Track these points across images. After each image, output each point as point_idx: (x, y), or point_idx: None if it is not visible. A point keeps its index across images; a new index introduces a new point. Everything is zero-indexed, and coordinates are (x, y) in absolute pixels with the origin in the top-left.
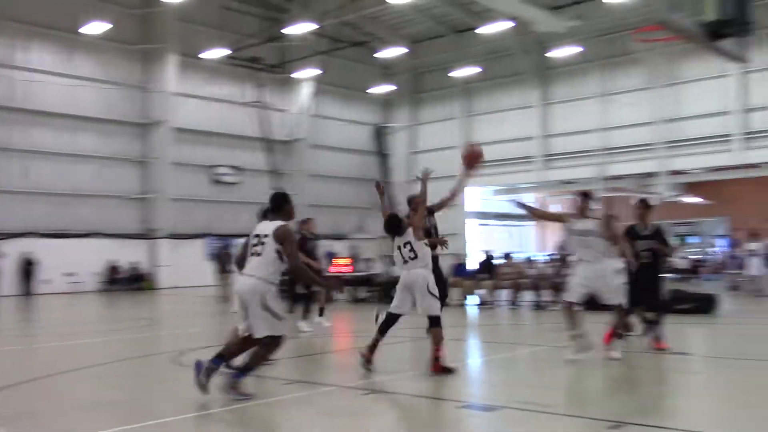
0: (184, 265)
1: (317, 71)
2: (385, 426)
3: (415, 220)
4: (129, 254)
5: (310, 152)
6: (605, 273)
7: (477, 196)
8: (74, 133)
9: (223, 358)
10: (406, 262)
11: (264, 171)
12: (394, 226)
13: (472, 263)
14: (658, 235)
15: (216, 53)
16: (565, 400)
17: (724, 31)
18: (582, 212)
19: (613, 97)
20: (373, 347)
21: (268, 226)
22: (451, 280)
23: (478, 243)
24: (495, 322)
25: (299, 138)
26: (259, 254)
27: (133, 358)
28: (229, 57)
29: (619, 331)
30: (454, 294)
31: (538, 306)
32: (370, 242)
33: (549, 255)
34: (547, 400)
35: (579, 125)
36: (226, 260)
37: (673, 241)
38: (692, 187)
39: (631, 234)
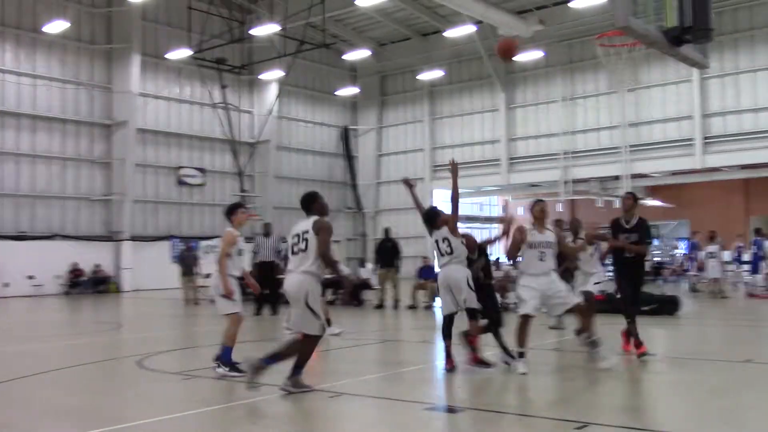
0: (148, 268)
1: (283, 73)
2: (352, 428)
3: (452, 217)
4: (92, 257)
5: (276, 154)
6: (554, 281)
7: (442, 198)
8: (36, 133)
9: (276, 358)
10: (442, 255)
11: (229, 173)
12: (430, 218)
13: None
14: (641, 228)
15: (181, 54)
16: (530, 402)
17: (684, 37)
18: (541, 223)
19: (577, 101)
20: (448, 355)
21: (306, 223)
22: (417, 283)
23: None
24: (461, 325)
25: (265, 140)
26: (303, 250)
27: (98, 362)
28: (194, 58)
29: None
30: (420, 296)
31: (504, 308)
32: (336, 245)
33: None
34: (512, 401)
35: (543, 129)
36: (190, 263)
37: (651, 239)
38: (655, 191)
39: (616, 227)
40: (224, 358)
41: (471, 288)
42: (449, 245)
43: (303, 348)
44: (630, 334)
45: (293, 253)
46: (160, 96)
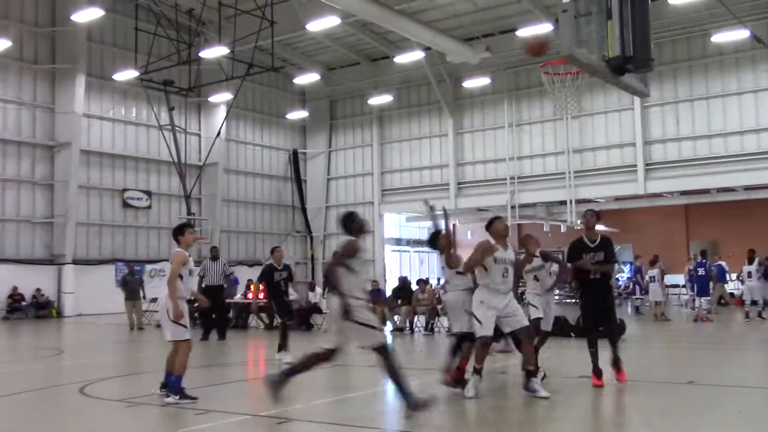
0: (91, 292)
1: (231, 96)
2: None
3: (445, 244)
4: (33, 281)
5: (224, 177)
6: (512, 300)
7: (391, 222)
8: None
9: (294, 371)
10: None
11: (176, 195)
12: (429, 241)
13: (388, 289)
14: (606, 247)
15: (127, 75)
16: (480, 425)
17: (626, 67)
18: (504, 240)
19: (523, 127)
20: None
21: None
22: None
23: (392, 269)
24: (410, 348)
25: (213, 162)
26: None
27: (38, 389)
28: (140, 79)
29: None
30: None
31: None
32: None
33: None
34: (461, 425)
35: (491, 154)
36: (135, 287)
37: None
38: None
39: (579, 248)
40: (175, 386)
41: (468, 312)
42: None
43: (388, 362)
44: (614, 362)
45: None
46: (106, 117)
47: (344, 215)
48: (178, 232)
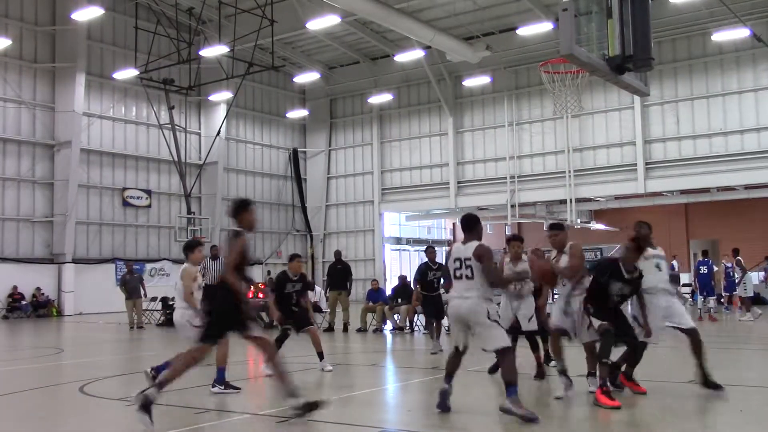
0: (91, 291)
1: (231, 95)
2: None
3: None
4: (32, 280)
5: (224, 176)
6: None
7: (391, 221)
8: None
9: (451, 377)
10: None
11: (176, 194)
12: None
13: (388, 288)
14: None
15: (127, 74)
16: (479, 424)
17: (626, 66)
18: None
19: (523, 126)
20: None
21: (467, 249)
22: (367, 305)
23: (392, 268)
24: (410, 347)
25: (213, 161)
26: (468, 277)
27: (38, 388)
28: (140, 78)
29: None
30: (369, 319)
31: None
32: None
33: None
34: (462, 423)
35: (491, 153)
36: (134, 286)
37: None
38: (599, 215)
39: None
40: (219, 377)
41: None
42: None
43: (507, 363)
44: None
45: (456, 277)
46: (106, 116)
47: (469, 217)
48: (188, 249)
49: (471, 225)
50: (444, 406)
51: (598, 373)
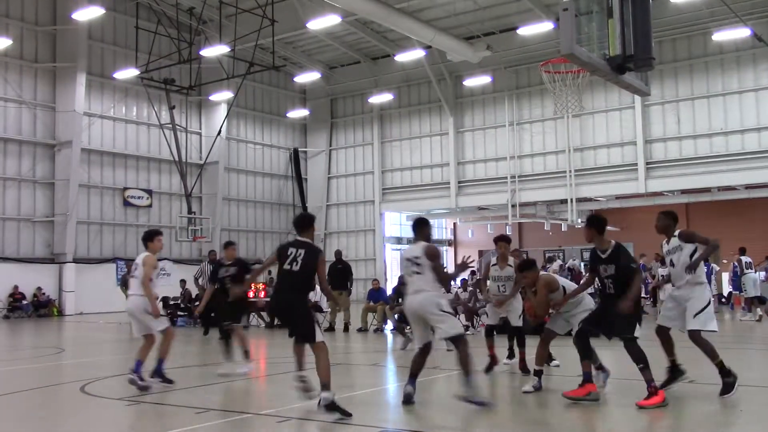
0: (91, 291)
1: (232, 94)
2: None
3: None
4: (33, 279)
5: (225, 176)
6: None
7: (392, 221)
8: None
9: (415, 377)
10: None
11: (177, 194)
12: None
13: (389, 288)
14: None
15: (127, 73)
16: (481, 423)
17: (627, 65)
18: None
19: (524, 125)
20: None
21: (417, 249)
22: (368, 305)
23: (393, 268)
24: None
25: (213, 161)
26: (419, 274)
27: (39, 388)
28: (141, 77)
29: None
30: (370, 318)
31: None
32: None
33: (462, 279)
34: (462, 423)
35: (491, 153)
36: None
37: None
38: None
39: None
40: (158, 369)
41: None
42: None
43: (463, 351)
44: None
45: (408, 275)
46: (106, 116)
47: (418, 221)
48: (148, 238)
49: (419, 227)
50: (409, 402)
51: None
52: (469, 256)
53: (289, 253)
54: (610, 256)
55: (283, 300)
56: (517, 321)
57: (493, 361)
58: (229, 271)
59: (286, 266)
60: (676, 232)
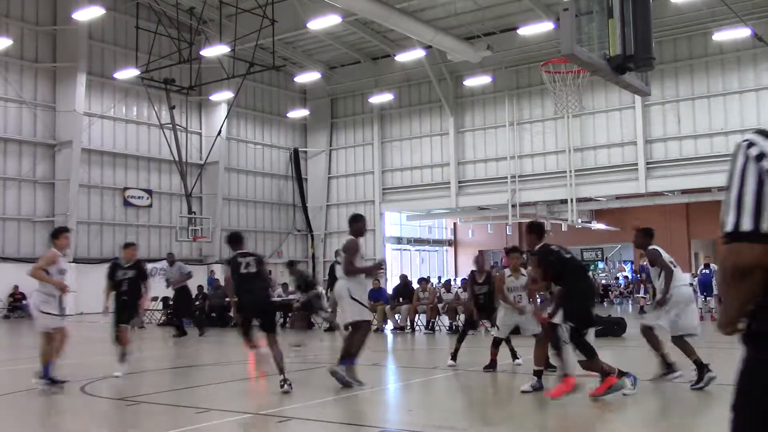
0: (92, 291)
1: (232, 94)
2: None
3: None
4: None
5: (225, 175)
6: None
7: (392, 221)
8: None
9: (349, 356)
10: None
11: (177, 194)
12: None
13: (389, 288)
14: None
15: (128, 73)
16: (481, 423)
17: (627, 65)
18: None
19: (524, 125)
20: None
21: (343, 242)
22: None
23: (393, 268)
24: (411, 347)
25: (213, 161)
26: (339, 263)
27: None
28: (141, 78)
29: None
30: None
31: (455, 330)
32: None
33: (463, 280)
34: (463, 423)
35: (491, 153)
36: None
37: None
38: (600, 214)
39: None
40: (45, 372)
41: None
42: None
43: (359, 335)
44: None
45: (335, 264)
46: (106, 116)
47: (352, 216)
48: (54, 235)
49: (350, 223)
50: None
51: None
52: (382, 262)
53: (239, 261)
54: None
55: (260, 300)
56: (536, 327)
57: (493, 364)
58: (127, 273)
59: (243, 270)
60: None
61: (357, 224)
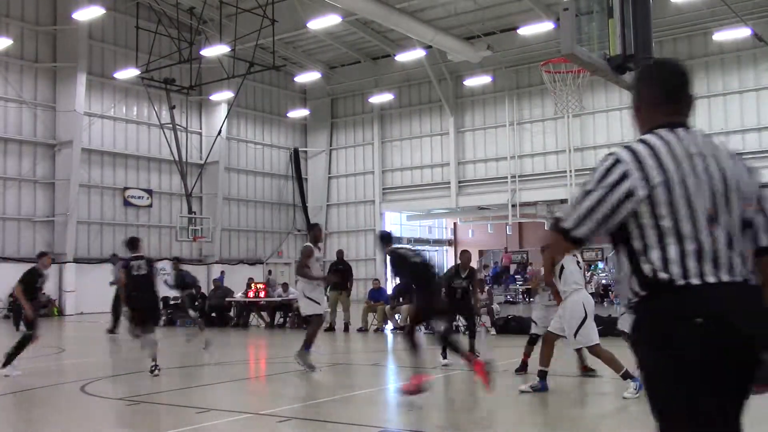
0: (92, 291)
1: (232, 94)
2: None
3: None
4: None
5: (225, 175)
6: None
7: (392, 221)
8: None
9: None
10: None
11: (177, 194)
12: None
13: (389, 288)
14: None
15: (128, 73)
16: (479, 423)
17: (627, 65)
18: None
19: (524, 125)
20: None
21: None
22: (368, 305)
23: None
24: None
25: (214, 161)
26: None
27: (40, 387)
28: (141, 77)
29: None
30: (370, 318)
31: (454, 330)
32: (286, 267)
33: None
34: (462, 422)
35: (492, 152)
36: None
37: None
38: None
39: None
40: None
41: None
42: None
43: (312, 328)
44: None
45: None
46: (107, 116)
47: (309, 224)
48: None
49: (308, 230)
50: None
51: None
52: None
53: (132, 264)
54: None
55: (149, 298)
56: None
57: (524, 366)
58: (43, 280)
59: (135, 272)
60: None
61: (312, 232)
